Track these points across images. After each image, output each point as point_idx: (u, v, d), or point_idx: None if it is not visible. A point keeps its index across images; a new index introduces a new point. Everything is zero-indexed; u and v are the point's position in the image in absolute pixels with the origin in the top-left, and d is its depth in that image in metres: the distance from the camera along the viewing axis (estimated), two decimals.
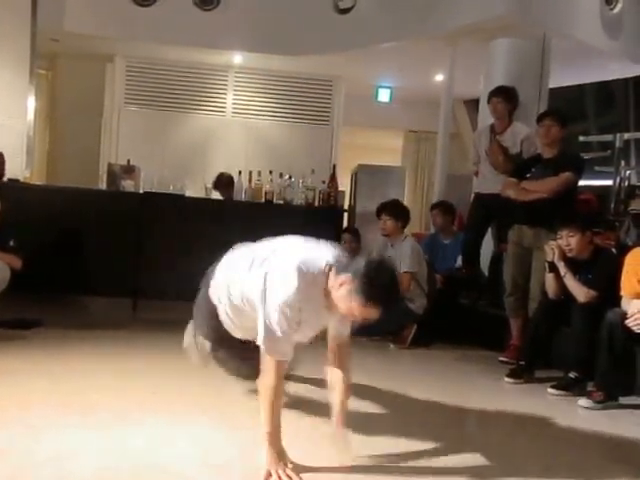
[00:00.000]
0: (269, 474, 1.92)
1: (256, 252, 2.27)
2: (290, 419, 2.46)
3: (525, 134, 4.54)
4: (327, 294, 2.01)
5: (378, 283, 1.91)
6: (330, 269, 2.00)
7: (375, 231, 4.68)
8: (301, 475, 1.94)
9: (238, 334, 2.40)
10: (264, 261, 2.13)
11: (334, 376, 2.22)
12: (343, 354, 2.24)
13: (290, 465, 1.96)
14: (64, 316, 4.46)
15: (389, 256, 4.50)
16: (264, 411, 1.97)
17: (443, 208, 5.24)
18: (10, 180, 5.08)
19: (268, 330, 1.96)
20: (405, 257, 4.33)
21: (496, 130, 4.68)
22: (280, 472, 1.92)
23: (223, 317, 2.39)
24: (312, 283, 1.98)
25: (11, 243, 3.90)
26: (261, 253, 2.22)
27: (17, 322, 3.86)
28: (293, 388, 2.74)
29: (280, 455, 1.96)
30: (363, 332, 4.31)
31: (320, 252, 2.09)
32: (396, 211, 4.49)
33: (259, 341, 1.99)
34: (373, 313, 1.96)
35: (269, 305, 1.97)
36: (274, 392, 1.96)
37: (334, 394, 2.22)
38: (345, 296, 1.94)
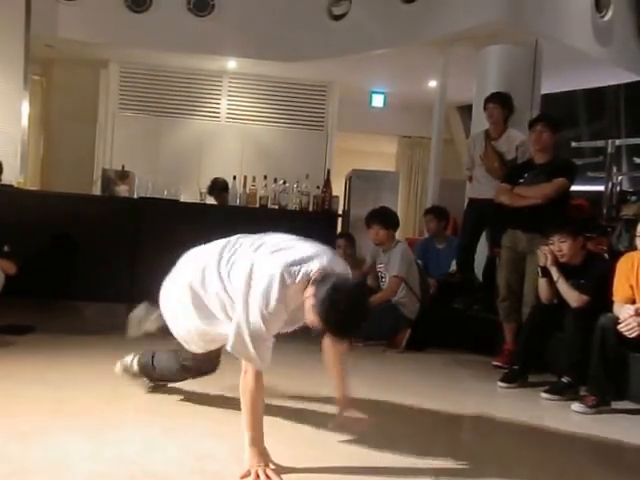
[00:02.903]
0: (248, 472, 1.95)
1: (240, 242, 2.28)
2: (281, 423, 2.47)
3: (520, 140, 4.57)
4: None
5: (337, 310, 1.87)
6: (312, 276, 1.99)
7: (368, 238, 4.70)
8: (284, 476, 1.95)
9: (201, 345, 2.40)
10: (253, 251, 2.13)
11: (331, 371, 2.33)
12: (337, 355, 2.31)
13: (272, 466, 1.98)
14: (58, 321, 4.45)
15: (380, 264, 4.54)
16: (245, 413, 2.00)
17: (436, 213, 5.27)
18: (4, 185, 5.08)
19: (249, 336, 1.97)
20: (395, 261, 4.37)
21: (491, 136, 4.70)
22: (260, 471, 1.94)
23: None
24: (294, 288, 1.98)
25: (5, 248, 3.90)
26: (248, 243, 2.23)
27: (10, 328, 3.84)
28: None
29: (262, 456, 1.99)
30: (358, 337, 4.37)
31: (314, 255, 2.06)
32: (386, 220, 4.50)
33: (230, 347, 2.02)
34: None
35: (251, 311, 1.97)
36: (253, 395, 1.99)
37: (335, 384, 2.33)
38: (309, 309, 1.94)
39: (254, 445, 1.99)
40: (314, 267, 2.00)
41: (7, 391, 2.75)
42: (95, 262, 5.00)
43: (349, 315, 1.90)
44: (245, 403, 2.00)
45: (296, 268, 1.99)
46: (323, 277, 1.95)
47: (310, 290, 1.94)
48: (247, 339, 1.97)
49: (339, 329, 1.94)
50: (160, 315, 2.62)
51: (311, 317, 1.95)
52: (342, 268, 2.12)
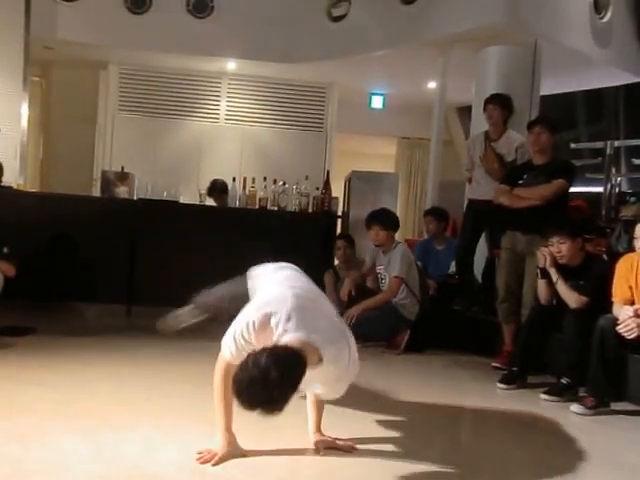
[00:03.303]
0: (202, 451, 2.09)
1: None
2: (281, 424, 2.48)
3: (520, 142, 4.57)
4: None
5: (235, 383, 1.80)
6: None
7: (368, 239, 4.71)
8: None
9: None
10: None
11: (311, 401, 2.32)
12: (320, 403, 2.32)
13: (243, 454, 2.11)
14: (58, 323, 4.46)
15: (380, 265, 4.54)
16: (215, 404, 2.12)
17: (436, 214, 5.27)
18: (3, 187, 5.08)
19: (231, 333, 2.06)
20: (395, 263, 4.37)
21: (491, 137, 4.71)
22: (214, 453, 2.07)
23: None
24: (265, 332, 2.00)
25: (4, 250, 3.90)
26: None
27: (10, 329, 3.85)
28: None
29: (227, 442, 2.11)
30: (358, 338, 4.37)
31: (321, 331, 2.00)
32: (386, 221, 4.51)
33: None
34: None
35: (243, 316, 2.08)
36: (221, 387, 2.09)
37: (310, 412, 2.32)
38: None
39: (221, 430, 2.11)
40: (298, 337, 1.91)
41: (7, 392, 2.75)
42: (95, 263, 5.00)
43: (239, 395, 1.79)
44: (215, 395, 2.12)
45: (289, 321, 1.96)
46: (270, 348, 1.83)
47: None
48: (232, 334, 2.06)
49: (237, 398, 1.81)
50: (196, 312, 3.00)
51: None
52: (338, 366, 2.02)
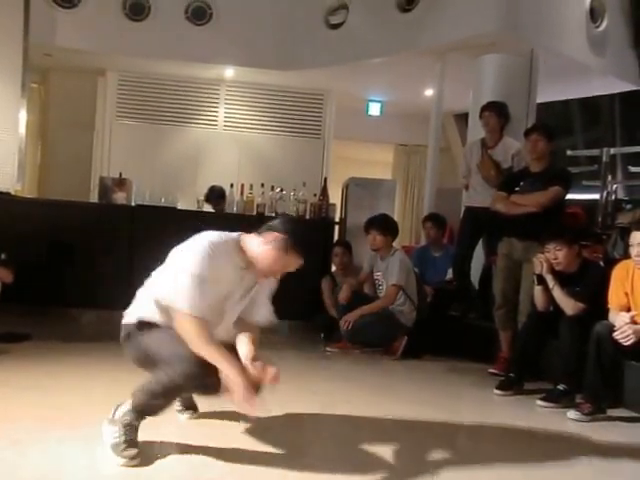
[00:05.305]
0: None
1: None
2: (274, 431, 2.47)
3: (516, 149, 4.61)
4: (243, 253, 2.25)
5: (298, 236, 2.23)
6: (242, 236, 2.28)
7: (366, 244, 4.72)
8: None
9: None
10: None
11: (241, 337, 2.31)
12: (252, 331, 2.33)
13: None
14: (54, 329, 4.45)
15: (378, 271, 4.55)
16: (217, 357, 2.02)
17: (436, 220, 5.29)
18: (1, 193, 5.08)
19: (181, 284, 2.18)
20: (393, 270, 4.38)
21: (487, 144, 4.74)
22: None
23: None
24: (224, 245, 2.25)
25: (2, 256, 3.90)
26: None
27: (6, 335, 3.84)
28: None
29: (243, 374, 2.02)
30: (355, 344, 4.38)
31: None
32: (385, 226, 4.53)
33: (169, 300, 2.20)
34: (295, 264, 2.23)
35: (183, 264, 2.24)
36: (211, 343, 2.05)
37: (241, 346, 2.27)
38: (270, 250, 2.21)
39: (231, 367, 2.01)
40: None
41: (4, 397, 2.75)
42: (92, 269, 5.00)
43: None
44: (207, 349, 2.03)
45: (221, 234, 2.31)
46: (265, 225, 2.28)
47: (265, 236, 2.24)
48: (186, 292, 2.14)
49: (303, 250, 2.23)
50: None
51: (271, 258, 2.22)
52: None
